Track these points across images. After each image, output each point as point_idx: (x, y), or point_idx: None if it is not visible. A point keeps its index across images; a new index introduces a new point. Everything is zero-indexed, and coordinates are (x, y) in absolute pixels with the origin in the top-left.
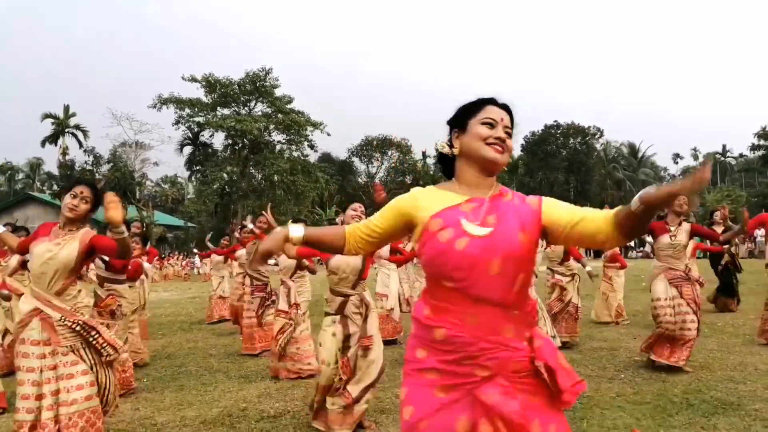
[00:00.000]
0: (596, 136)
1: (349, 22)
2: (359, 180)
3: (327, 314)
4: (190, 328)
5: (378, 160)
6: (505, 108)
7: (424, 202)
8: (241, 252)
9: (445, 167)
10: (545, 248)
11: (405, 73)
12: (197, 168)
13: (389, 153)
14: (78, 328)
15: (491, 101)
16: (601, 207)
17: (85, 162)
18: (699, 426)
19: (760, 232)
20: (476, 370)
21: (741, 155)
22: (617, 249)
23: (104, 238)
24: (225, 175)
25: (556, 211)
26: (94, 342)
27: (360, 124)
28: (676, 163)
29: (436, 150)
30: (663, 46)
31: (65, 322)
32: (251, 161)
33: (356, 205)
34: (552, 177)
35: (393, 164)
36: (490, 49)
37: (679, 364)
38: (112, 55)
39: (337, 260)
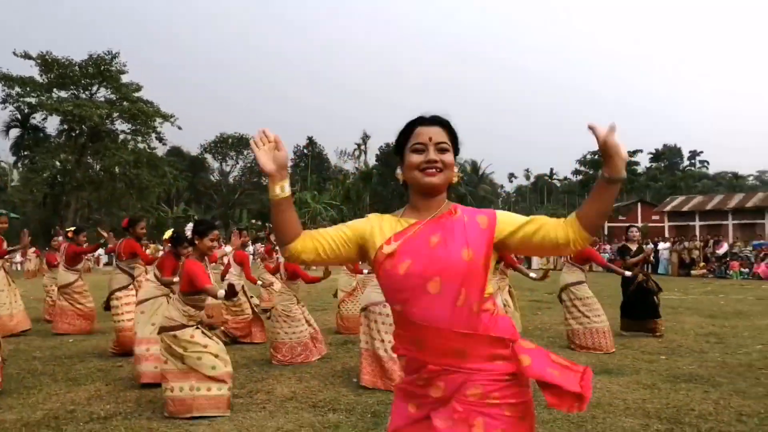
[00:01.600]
0: None
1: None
2: (211, 177)
3: None
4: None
5: (233, 158)
6: (436, 121)
7: (377, 228)
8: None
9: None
10: None
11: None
12: (25, 153)
13: (245, 152)
14: None
15: (419, 121)
16: None
17: None
18: None
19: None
20: (430, 390)
21: (565, 178)
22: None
23: None
24: (58, 163)
25: (511, 223)
26: None
27: (215, 121)
28: (511, 181)
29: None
30: (503, 74)
31: None
32: (89, 150)
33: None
34: (402, 188)
35: (249, 164)
36: (351, 59)
37: None
38: None
39: None
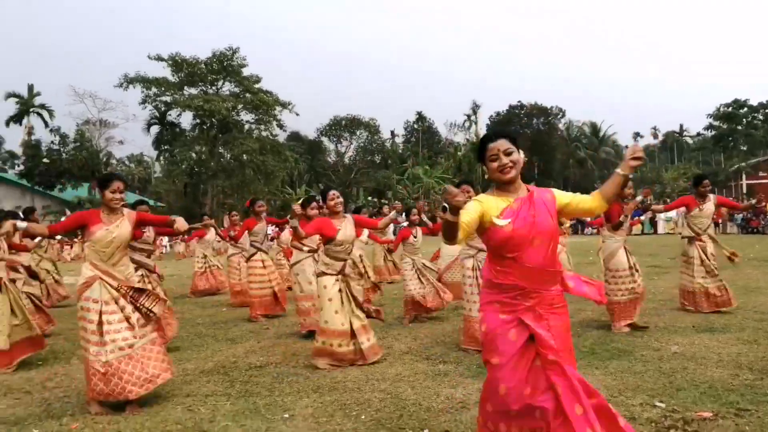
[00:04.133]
0: (558, 116)
1: (317, 2)
2: (328, 159)
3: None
4: (175, 303)
5: (347, 139)
6: (500, 135)
7: (487, 205)
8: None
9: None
10: None
11: (372, 54)
12: (165, 147)
13: (358, 132)
14: (128, 292)
15: (488, 139)
16: (564, 184)
17: (52, 142)
18: (595, 368)
19: None
20: (525, 301)
21: (698, 134)
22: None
23: (147, 214)
24: (194, 155)
25: (564, 198)
26: (138, 305)
27: (329, 105)
28: (637, 141)
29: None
30: (625, 28)
31: (120, 289)
32: (220, 141)
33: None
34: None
35: (362, 144)
36: (457, 30)
37: (639, 322)
38: (75, 34)
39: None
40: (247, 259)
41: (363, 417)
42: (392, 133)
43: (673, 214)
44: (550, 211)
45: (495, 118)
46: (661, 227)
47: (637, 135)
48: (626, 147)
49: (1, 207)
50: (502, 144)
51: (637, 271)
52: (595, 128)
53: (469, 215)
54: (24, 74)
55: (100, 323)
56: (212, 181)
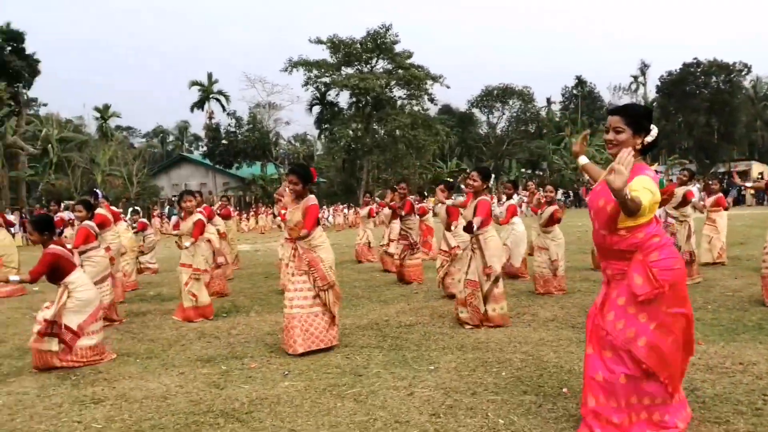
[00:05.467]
0: (743, 73)
1: None
2: (480, 131)
3: None
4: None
5: (499, 110)
6: (615, 111)
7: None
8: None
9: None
10: None
11: (524, 17)
12: (325, 126)
13: (510, 102)
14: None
15: (608, 111)
16: (750, 150)
17: (228, 124)
18: (758, 342)
19: None
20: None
21: None
22: (720, 193)
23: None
24: (350, 132)
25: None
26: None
27: (480, 75)
28: None
29: None
30: None
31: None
32: (374, 118)
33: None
34: (692, 119)
35: (515, 114)
36: None
37: None
38: (245, 23)
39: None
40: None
41: (503, 374)
42: (548, 100)
43: None
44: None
45: (666, 78)
46: None
47: None
48: None
49: (188, 183)
50: (615, 121)
51: None
52: None
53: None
54: (203, 63)
55: None
56: (367, 157)
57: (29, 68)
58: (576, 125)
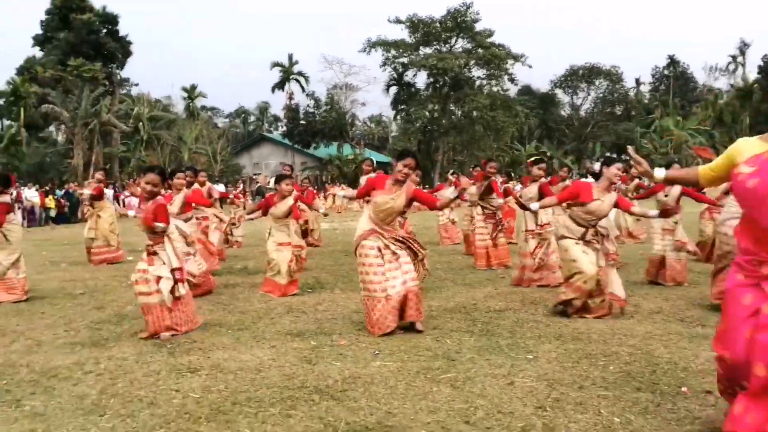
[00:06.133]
0: None
1: None
2: (562, 112)
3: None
4: None
5: (584, 90)
6: None
7: (742, 149)
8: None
9: None
10: None
11: None
12: (401, 107)
13: (597, 82)
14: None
15: None
16: None
17: (308, 105)
18: None
19: None
20: (763, 269)
21: None
22: None
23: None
24: (427, 113)
25: None
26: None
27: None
28: None
29: None
30: None
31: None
32: (452, 98)
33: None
34: None
35: (601, 95)
36: None
37: None
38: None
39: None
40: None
41: (611, 368)
42: (637, 81)
43: None
44: None
45: None
46: None
47: None
48: None
49: (267, 162)
50: None
51: None
52: None
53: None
54: (284, 44)
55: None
56: (443, 138)
57: (122, 49)
58: (667, 107)
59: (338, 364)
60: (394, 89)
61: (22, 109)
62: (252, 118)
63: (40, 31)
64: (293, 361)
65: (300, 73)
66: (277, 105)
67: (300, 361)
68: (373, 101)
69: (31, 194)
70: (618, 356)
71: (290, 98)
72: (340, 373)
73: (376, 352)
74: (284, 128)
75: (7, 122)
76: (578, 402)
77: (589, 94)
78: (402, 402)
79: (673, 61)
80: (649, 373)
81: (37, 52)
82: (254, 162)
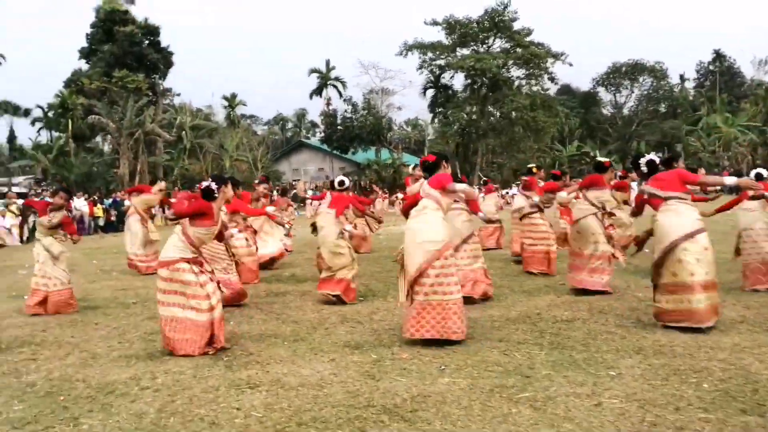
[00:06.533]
0: None
1: None
2: (604, 111)
3: None
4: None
5: (627, 88)
6: None
7: None
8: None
9: None
10: None
11: None
12: (439, 110)
13: (641, 80)
14: None
15: None
16: None
17: (345, 110)
18: None
19: None
20: None
21: None
22: None
23: None
24: (465, 116)
25: None
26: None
27: (606, 51)
28: None
29: None
30: None
31: None
32: (490, 100)
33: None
34: None
35: (645, 92)
36: None
37: None
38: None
39: None
40: (522, 217)
41: (705, 386)
42: (682, 77)
43: None
44: None
45: None
46: None
47: None
48: None
49: (306, 168)
50: None
51: None
52: None
53: None
54: (321, 51)
55: None
56: (482, 140)
57: (164, 60)
58: (713, 104)
59: (404, 380)
60: (431, 92)
61: (69, 121)
62: (290, 125)
63: (85, 44)
64: (355, 377)
65: (337, 79)
66: (314, 111)
67: (362, 377)
68: (408, 105)
69: (80, 204)
70: (710, 372)
71: (328, 104)
72: (407, 390)
73: (442, 367)
74: (322, 134)
75: (56, 134)
76: (678, 426)
77: (632, 92)
78: (481, 426)
79: (719, 56)
80: (750, 392)
81: (83, 65)
82: (293, 168)
